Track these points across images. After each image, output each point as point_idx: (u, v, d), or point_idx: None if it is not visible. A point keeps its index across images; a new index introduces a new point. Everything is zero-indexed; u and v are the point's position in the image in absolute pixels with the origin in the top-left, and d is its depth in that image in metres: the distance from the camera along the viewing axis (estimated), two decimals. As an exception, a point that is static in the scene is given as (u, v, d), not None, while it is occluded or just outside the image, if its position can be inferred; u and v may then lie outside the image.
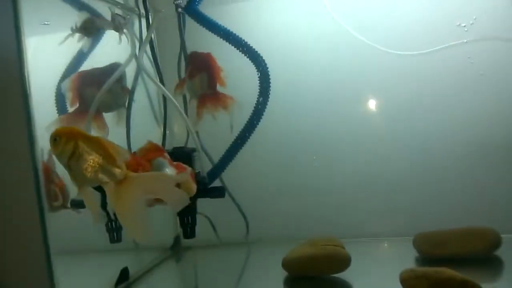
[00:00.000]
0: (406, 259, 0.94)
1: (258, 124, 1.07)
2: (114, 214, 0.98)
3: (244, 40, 1.06)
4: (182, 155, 0.99)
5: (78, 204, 0.98)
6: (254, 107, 1.06)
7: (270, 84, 1.06)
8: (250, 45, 1.06)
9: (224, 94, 1.02)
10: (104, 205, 0.97)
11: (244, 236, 1.19)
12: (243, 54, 1.07)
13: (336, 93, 1.15)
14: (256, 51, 1.06)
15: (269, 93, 1.06)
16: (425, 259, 0.94)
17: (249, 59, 1.07)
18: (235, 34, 1.07)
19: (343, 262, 0.88)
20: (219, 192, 0.96)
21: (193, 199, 1.00)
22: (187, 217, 1.00)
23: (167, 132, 1.18)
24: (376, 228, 1.12)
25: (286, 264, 0.91)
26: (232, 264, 1.10)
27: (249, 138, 1.08)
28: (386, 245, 1.09)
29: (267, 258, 1.08)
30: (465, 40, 1.07)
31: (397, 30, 1.10)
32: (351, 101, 1.14)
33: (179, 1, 1.11)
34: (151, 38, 1.14)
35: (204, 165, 1.08)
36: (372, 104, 1.15)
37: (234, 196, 1.16)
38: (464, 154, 1.07)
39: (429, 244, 0.94)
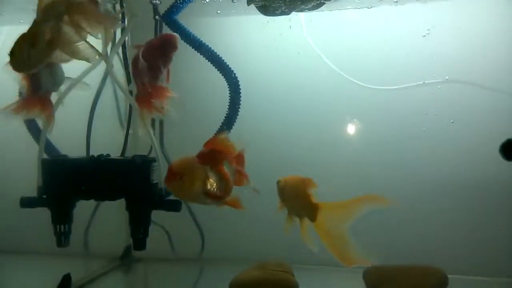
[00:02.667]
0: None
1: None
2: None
3: (216, 54, 1.06)
4: (139, 165, 0.97)
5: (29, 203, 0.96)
6: (223, 120, 1.05)
7: (240, 98, 1.05)
8: (222, 59, 1.06)
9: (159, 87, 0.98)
10: (55, 221, 0.95)
11: (199, 253, 1.17)
12: (214, 67, 1.07)
13: (300, 116, 1.16)
14: (228, 65, 1.05)
15: (239, 108, 1.05)
16: (373, 293, 0.94)
17: (220, 73, 1.07)
18: (208, 46, 1.06)
19: (290, 289, 0.87)
20: (175, 206, 0.93)
21: (147, 210, 0.98)
22: (139, 228, 0.98)
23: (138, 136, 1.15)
24: (329, 256, 1.11)
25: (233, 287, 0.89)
26: (182, 281, 1.07)
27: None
28: (338, 275, 1.07)
29: (219, 278, 1.05)
30: (438, 80, 1.10)
31: (373, 64, 1.13)
32: (316, 127, 1.15)
33: (156, 1, 1.10)
34: (124, 41, 1.12)
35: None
36: (338, 135, 1.16)
37: (193, 211, 1.14)
38: (421, 192, 1.09)
39: (378, 279, 0.94)
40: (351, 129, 1.17)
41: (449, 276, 0.93)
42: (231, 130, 1.04)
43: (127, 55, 1.15)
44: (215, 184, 0.76)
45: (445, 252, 1.05)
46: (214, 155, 0.79)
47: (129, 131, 1.15)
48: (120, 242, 1.18)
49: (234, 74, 1.06)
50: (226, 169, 0.80)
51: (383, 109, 1.14)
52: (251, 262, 0.95)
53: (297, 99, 1.17)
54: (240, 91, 1.05)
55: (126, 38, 1.16)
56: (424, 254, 1.05)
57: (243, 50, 1.19)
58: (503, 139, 0.85)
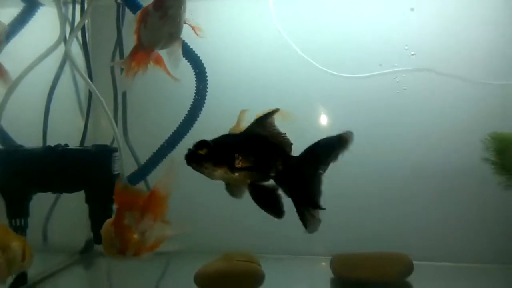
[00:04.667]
0: (320, 280, 0.93)
1: (192, 126, 1.02)
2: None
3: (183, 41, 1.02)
4: (99, 155, 0.93)
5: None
6: (189, 108, 1.02)
7: (207, 87, 1.02)
8: (189, 46, 1.02)
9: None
10: (10, 214, 0.90)
11: (165, 245, 1.13)
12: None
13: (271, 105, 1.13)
14: (195, 52, 1.01)
15: (205, 96, 1.02)
16: (339, 281, 0.94)
17: (187, 60, 1.04)
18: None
19: (256, 279, 0.85)
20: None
21: (108, 202, 0.94)
22: (99, 221, 0.93)
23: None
24: (298, 246, 1.10)
25: (198, 279, 0.86)
26: (145, 275, 1.03)
27: (180, 141, 1.03)
28: (305, 264, 1.07)
29: (184, 271, 1.00)
30: (401, 68, 1.09)
31: (342, 52, 1.12)
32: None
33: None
34: (84, 25, 1.07)
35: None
36: (308, 123, 1.13)
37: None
38: (390, 180, 1.09)
39: (344, 266, 0.93)
40: (322, 117, 1.15)
41: (416, 262, 0.93)
42: (198, 119, 1.01)
43: (87, 40, 1.10)
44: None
45: (413, 239, 1.06)
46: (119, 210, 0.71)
47: (89, 120, 1.11)
48: (81, 236, 1.12)
49: (201, 61, 1.02)
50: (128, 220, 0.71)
51: (354, 97, 1.12)
52: (218, 254, 0.93)
53: (268, 88, 1.14)
54: (207, 80, 1.02)
55: (86, 22, 1.11)
56: (393, 241, 1.05)
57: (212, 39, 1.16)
58: (474, 128, 0.85)
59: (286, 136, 0.71)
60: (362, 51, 1.11)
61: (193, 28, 0.85)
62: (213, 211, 1.13)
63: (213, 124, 1.10)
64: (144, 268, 1.06)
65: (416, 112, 1.10)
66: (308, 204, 0.69)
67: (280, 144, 0.70)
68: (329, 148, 0.69)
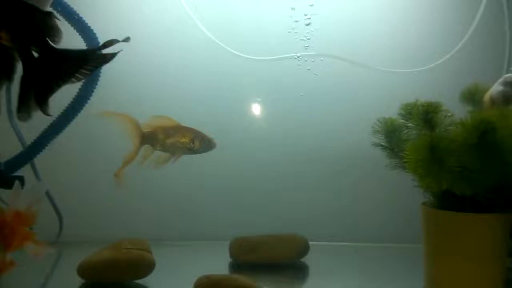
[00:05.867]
0: (217, 264, 0.92)
1: (81, 109, 0.95)
2: None
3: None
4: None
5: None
6: (77, 92, 0.94)
7: (100, 70, 0.94)
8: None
9: None
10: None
11: (56, 235, 1.05)
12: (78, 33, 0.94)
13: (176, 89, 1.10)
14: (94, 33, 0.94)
15: (98, 79, 0.95)
16: (238, 264, 0.93)
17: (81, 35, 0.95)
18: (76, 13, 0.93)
19: (145, 267, 0.81)
20: (7, 183, 0.81)
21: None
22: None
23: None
24: (199, 231, 1.08)
25: (81, 271, 0.80)
26: (29, 268, 0.94)
27: (67, 124, 0.95)
28: (202, 249, 1.04)
29: (72, 263, 0.92)
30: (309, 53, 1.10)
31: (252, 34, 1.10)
32: (193, 98, 1.10)
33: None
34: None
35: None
36: (213, 107, 1.11)
37: (50, 189, 1.02)
38: (287, 163, 1.10)
39: (242, 249, 0.93)
40: (227, 100, 1.12)
41: (314, 243, 0.96)
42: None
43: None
44: None
45: (313, 221, 1.08)
46: None
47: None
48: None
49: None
50: None
51: (258, 80, 1.11)
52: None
53: (175, 70, 1.10)
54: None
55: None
56: (293, 223, 1.06)
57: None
58: (376, 114, 0.87)
59: None
60: (271, 35, 1.10)
61: None
62: (108, 200, 1.08)
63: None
64: (26, 261, 0.98)
65: (322, 96, 1.11)
66: None
67: None
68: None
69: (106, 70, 0.92)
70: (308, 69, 1.11)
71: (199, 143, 0.94)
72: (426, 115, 0.75)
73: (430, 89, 1.04)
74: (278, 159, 1.10)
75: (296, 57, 1.10)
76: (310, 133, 1.11)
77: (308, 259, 0.95)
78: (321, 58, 1.10)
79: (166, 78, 1.10)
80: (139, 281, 0.82)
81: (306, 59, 1.10)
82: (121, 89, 1.09)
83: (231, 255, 0.93)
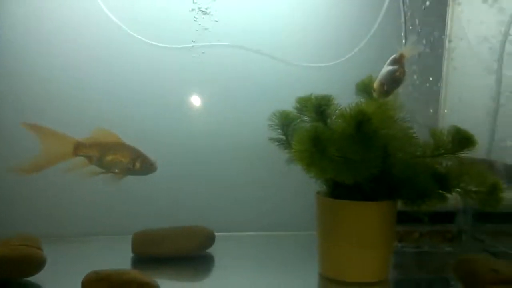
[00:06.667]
0: (119, 259, 0.90)
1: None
2: None
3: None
4: None
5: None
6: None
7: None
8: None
9: None
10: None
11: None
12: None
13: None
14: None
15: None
16: (141, 258, 0.92)
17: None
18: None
19: (34, 264, 0.77)
20: None
21: None
22: None
23: None
24: (102, 227, 1.06)
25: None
26: None
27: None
28: (103, 244, 1.02)
29: None
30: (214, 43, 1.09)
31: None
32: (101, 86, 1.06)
33: None
34: None
35: None
36: (122, 95, 1.08)
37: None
38: (192, 155, 1.10)
39: (145, 243, 0.91)
40: (134, 88, 1.08)
41: (221, 234, 0.97)
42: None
43: None
44: None
45: (220, 212, 1.10)
46: None
47: None
48: None
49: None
50: None
51: (166, 68, 1.09)
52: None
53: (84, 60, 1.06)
54: None
55: None
56: (200, 215, 1.07)
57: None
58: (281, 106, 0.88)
59: None
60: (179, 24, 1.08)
61: None
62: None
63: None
64: None
65: (231, 87, 1.11)
66: None
67: None
68: None
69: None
70: (205, 60, 1.10)
71: (140, 165, 0.89)
72: (318, 108, 0.78)
73: (335, 83, 1.08)
74: (184, 152, 1.09)
75: (193, 46, 1.09)
76: (216, 124, 1.11)
77: (213, 250, 0.95)
78: (229, 49, 1.10)
79: (76, 73, 1.06)
80: (30, 279, 0.79)
81: (210, 50, 1.10)
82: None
83: (133, 250, 0.91)
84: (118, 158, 0.88)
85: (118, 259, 0.90)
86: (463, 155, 0.80)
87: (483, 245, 1.00)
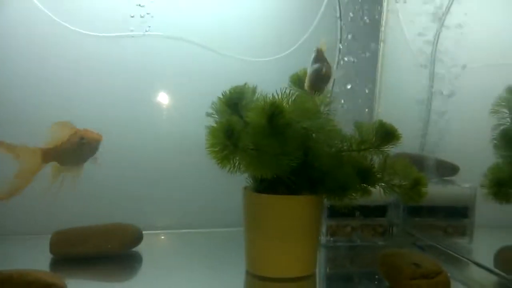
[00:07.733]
0: (38, 260, 0.85)
1: None
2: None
3: None
4: None
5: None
6: None
7: None
8: None
9: None
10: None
11: None
12: None
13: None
14: None
15: None
16: (60, 259, 0.87)
17: None
18: None
19: None
20: None
21: None
22: None
23: None
24: (22, 224, 1.00)
25: None
26: None
27: None
28: (21, 244, 0.96)
29: None
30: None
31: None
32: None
33: None
34: None
35: None
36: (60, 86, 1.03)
37: None
38: (123, 152, 1.06)
39: (66, 242, 0.87)
40: (71, 79, 1.04)
41: (150, 232, 0.95)
42: None
43: None
44: None
45: (150, 210, 1.07)
46: None
47: None
48: None
49: None
50: None
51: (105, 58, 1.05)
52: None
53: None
54: None
55: None
56: (126, 212, 1.03)
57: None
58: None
59: None
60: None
61: None
62: None
63: None
64: None
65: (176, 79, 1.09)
66: None
67: None
68: None
69: None
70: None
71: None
72: (231, 100, 0.76)
73: (276, 77, 1.07)
74: (117, 149, 1.04)
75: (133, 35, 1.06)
76: (154, 118, 1.08)
77: (140, 248, 0.92)
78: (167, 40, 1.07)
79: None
80: None
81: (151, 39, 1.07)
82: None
83: (51, 250, 0.86)
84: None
85: (36, 260, 0.85)
86: (388, 149, 0.80)
87: (413, 239, 1.01)
